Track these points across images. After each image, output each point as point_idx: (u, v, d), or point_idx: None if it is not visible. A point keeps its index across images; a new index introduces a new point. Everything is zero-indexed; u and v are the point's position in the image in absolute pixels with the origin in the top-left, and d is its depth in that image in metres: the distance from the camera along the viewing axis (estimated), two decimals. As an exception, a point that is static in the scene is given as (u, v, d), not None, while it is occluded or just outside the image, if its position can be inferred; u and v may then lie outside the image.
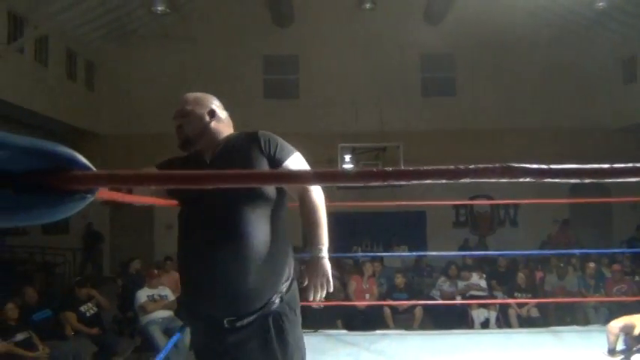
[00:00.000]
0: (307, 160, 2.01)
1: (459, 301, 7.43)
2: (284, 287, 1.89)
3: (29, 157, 0.70)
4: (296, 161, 1.93)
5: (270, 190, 1.87)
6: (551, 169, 0.70)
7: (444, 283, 7.80)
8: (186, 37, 11.79)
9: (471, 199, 11.25)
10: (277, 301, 1.86)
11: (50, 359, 5.39)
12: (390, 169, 0.70)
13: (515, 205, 12.37)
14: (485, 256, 9.74)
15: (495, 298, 7.50)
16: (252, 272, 1.78)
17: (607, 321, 5.18)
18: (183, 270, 1.98)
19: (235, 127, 2.10)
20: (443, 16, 11.96)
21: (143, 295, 6.17)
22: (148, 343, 5.96)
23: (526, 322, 6.94)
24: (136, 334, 6.51)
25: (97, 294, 6.60)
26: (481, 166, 0.70)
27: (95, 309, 6.24)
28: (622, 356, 4.50)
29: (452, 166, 0.69)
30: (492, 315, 7.17)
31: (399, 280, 7.54)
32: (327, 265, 1.87)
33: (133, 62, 12.08)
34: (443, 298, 7.54)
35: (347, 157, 11.44)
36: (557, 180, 0.70)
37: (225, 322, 1.83)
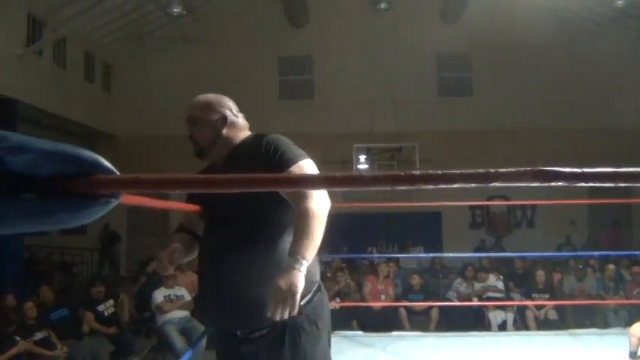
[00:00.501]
0: (322, 160, 1.94)
1: (475, 302, 7.36)
2: (303, 300, 1.70)
3: (53, 162, 0.70)
4: (302, 168, 1.74)
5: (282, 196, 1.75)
6: (584, 172, 0.67)
7: (460, 285, 7.73)
8: (202, 39, 11.86)
9: (488, 199, 11.14)
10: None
11: (68, 358, 5.45)
12: (418, 172, 0.68)
13: (532, 206, 12.21)
14: (502, 257, 9.65)
15: (512, 299, 7.42)
16: (263, 283, 1.63)
17: (627, 324, 5.10)
18: (198, 276, 1.97)
19: (250, 128, 2.09)
20: (459, 15, 11.84)
21: (160, 295, 6.20)
22: (165, 343, 6.00)
23: (544, 325, 6.85)
24: (152, 333, 6.56)
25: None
26: (512, 169, 0.68)
27: (113, 309, 6.29)
28: (644, 360, 4.42)
29: (482, 170, 0.67)
30: (510, 317, 7.09)
31: (415, 281, 7.50)
32: (299, 281, 1.54)
33: (150, 64, 12.18)
34: (459, 300, 7.47)
35: (362, 158, 11.43)
36: (590, 184, 0.68)
37: (238, 332, 1.80)
